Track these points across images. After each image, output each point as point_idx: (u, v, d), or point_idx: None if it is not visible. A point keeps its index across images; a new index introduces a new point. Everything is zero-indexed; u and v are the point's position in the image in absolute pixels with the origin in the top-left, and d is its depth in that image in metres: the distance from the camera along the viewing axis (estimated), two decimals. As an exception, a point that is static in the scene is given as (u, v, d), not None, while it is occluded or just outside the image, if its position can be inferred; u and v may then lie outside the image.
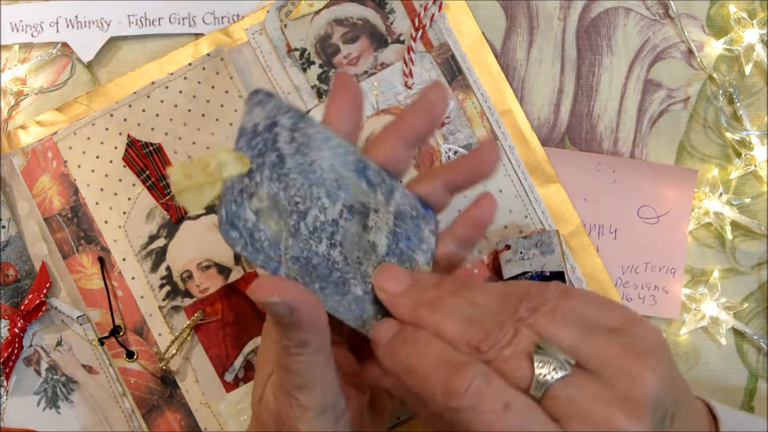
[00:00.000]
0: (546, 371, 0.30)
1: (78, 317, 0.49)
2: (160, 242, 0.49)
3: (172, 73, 0.50)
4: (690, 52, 0.51)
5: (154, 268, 0.49)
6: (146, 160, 0.49)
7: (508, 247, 0.47)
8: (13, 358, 0.48)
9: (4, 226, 0.49)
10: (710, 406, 0.36)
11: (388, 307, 0.35)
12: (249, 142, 0.36)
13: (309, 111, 0.37)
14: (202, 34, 0.51)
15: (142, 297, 0.49)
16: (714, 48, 0.51)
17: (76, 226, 0.49)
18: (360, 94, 0.38)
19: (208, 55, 0.50)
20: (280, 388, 0.35)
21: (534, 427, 0.29)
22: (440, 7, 0.50)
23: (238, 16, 0.51)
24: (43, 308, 0.48)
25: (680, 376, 0.33)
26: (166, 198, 0.49)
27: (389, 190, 0.38)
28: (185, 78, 0.50)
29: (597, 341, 0.31)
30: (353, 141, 0.38)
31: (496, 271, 0.48)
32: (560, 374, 0.30)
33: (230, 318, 0.48)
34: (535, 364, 0.30)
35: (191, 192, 0.35)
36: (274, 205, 0.36)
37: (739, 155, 0.51)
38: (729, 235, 0.50)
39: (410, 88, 0.50)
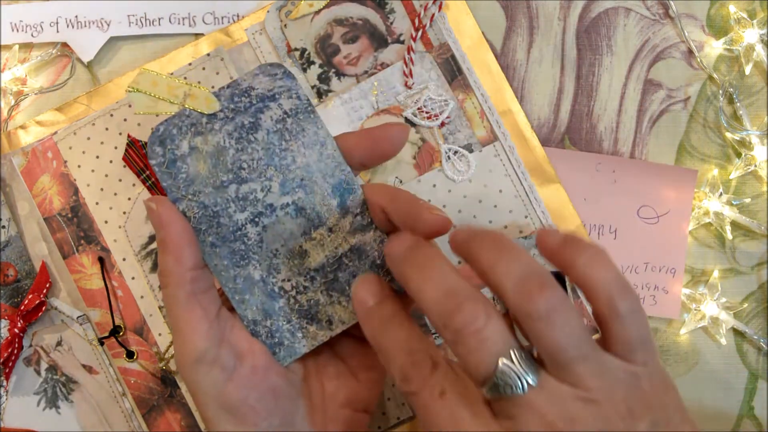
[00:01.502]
0: (503, 384, 0.30)
1: (78, 317, 0.49)
2: (160, 242, 0.49)
3: (172, 73, 0.50)
4: (690, 52, 0.51)
5: (154, 268, 0.49)
6: (146, 160, 0.49)
7: (508, 247, 0.47)
8: (13, 358, 0.48)
9: (4, 226, 0.49)
10: None
11: (360, 316, 0.36)
12: (232, 96, 0.38)
13: (312, 107, 0.38)
14: (202, 34, 0.51)
15: (142, 297, 0.49)
16: (714, 48, 0.51)
17: (76, 226, 0.49)
18: (393, 154, 0.38)
19: (208, 55, 0.50)
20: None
21: (464, 415, 0.30)
22: (440, 7, 0.50)
23: (238, 16, 0.51)
24: (43, 308, 0.48)
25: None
26: (166, 198, 0.49)
27: (362, 226, 0.38)
28: (185, 78, 0.50)
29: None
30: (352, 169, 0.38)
31: (496, 271, 0.48)
32: (514, 393, 0.30)
33: (230, 318, 0.49)
34: (498, 371, 0.30)
35: (145, 97, 0.37)
36: (216, 154, 0.37)
37: (739, 155, 0.51)
38: (729, 235, 0.50)
39: (410, 88, 0.50)
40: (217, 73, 0.50)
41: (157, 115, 0.38)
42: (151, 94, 0.38)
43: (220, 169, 0.37)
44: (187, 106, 0.37)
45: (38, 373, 0.49)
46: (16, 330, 0.48)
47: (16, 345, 0.48)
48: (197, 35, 0.52)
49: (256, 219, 0.37)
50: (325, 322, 0.38)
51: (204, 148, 0.37)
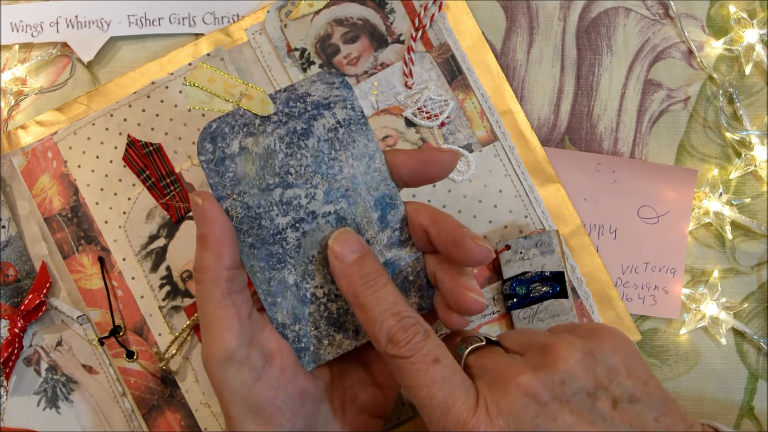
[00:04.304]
0: (464, 346, 0.36)
1: (78, 317, 0.49)
2: (160, 242, 0.49)
3: (172, 73, 0.50)
4: (690, 52, 0.51)
5: (154, 268, 0.49)
6: (146, 160, 0.49)
7: (508, 247, 0.47)
8: (13, 358, 0.48)
9: (4, 226, 0.49)
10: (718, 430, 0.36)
11: (338, 271, 0.37)
12: (287, 101, 0.37)
13: (365, 119, 0.38)
14: (202, 34, 0.51)
15: (142, 297, 0.49)
16: (714, 48, 0.51)
17: (76, 226, 0.49)
18: (439, 179, 0.39)
19: (208, 55, 0.50)
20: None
21: (455, 381, 0.33)
22: (440, 7, 0.50)
23: (238, 16, 0.51)
24: (43, 308, 0.48)
25: (641, 373, 0.35)
26: (166, 198, 0.49)
27: (400, 242, 0.38)
28: (185, 78, 0.50)
29: (536, 335, 0.36)
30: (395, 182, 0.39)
31: (496, 271, 0.48)
32: (472, 346, 0.36)
33: (230, 318, 0.48)
34: (458, 347, 0.36)
35: (199, 91, 0.37)
36: (265, 156, 0.37)
37: (739, 155, 0.51)
38: (729, 235, 0.50)
39: (410, 88, 0.50)
40: (217, 73, 0.50)
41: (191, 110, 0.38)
42: (207, 89, 0.37)
43: (268, 172, 0.37)
44: (242, 105, 0.37)
45: (38, 373, 0.49)
46: (16, 330, 0.48)
47: (16, 345, 0.48)
48: (197, 35, 0.52)
49: (297, 224, 0.37)
50: (351, 331, 0.39)
51: (254, 149, 0.37)
